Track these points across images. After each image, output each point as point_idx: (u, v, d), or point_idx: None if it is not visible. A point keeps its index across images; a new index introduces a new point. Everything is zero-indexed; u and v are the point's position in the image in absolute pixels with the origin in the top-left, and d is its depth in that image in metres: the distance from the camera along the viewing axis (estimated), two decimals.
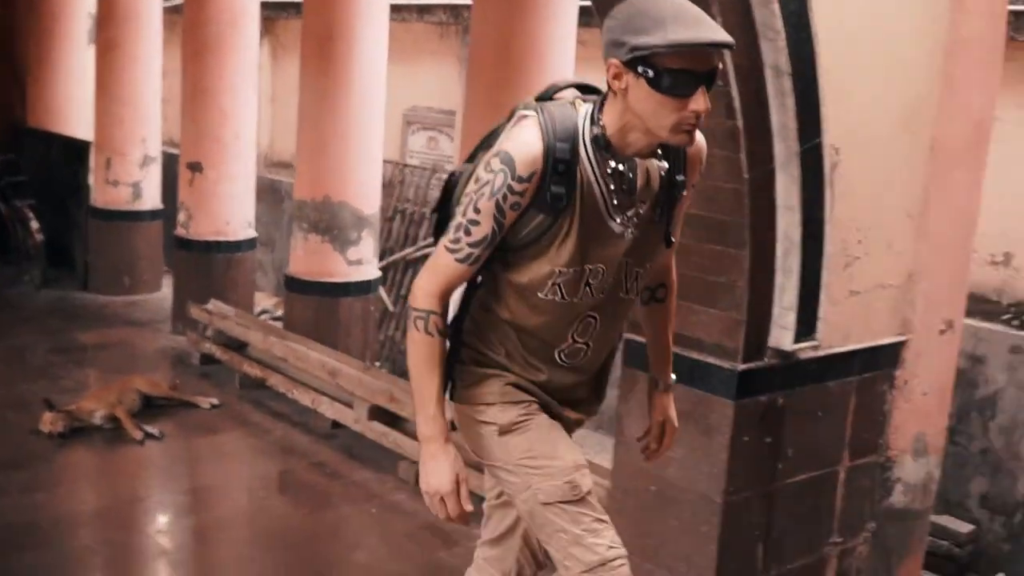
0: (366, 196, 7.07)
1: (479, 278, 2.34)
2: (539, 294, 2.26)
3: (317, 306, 6.94)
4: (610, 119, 2.19)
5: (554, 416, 2.39)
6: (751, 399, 3.60)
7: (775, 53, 3.27)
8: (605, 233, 2.24)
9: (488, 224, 2.19)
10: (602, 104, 2.22)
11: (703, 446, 3.63)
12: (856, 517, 4.14)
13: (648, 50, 2.05)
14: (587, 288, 2.27)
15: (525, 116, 2.24)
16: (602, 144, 2.20)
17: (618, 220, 2.23)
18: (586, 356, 2.36)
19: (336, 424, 5.77)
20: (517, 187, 2.16)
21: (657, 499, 3.78)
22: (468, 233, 2.20)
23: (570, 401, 2.42)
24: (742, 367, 3.54)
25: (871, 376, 4.00)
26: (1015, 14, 5.61)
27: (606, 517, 2.35)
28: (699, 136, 2.28)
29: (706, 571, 3.67)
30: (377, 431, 5.44)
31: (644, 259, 2.34)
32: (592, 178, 2.21)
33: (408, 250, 9.63)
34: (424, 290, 2.26)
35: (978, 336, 5.57)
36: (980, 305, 5.73)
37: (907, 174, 3.87)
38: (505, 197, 2.17)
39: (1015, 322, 5.57)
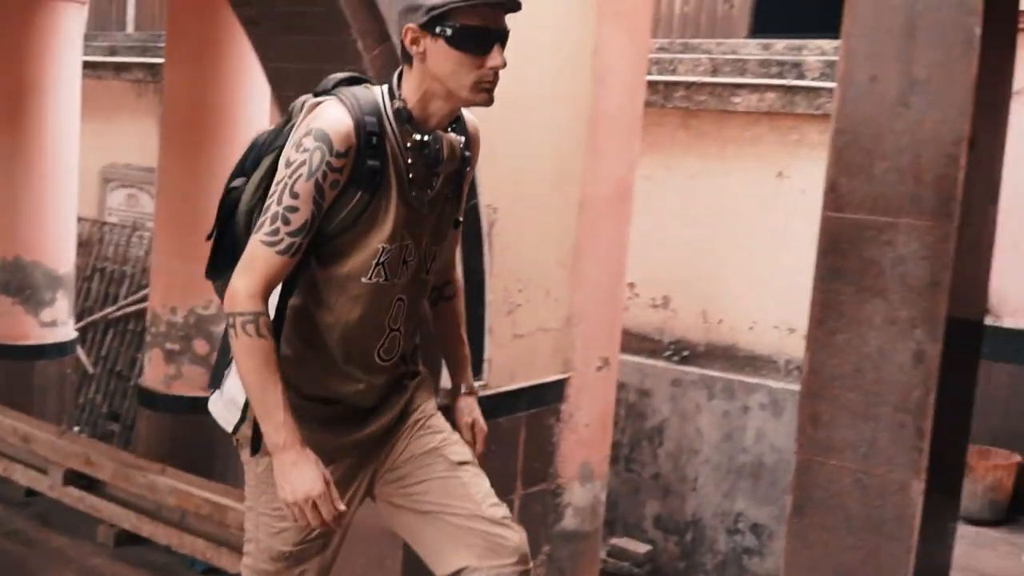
0: (60, 254, 6.93)
1: (289, 299, 2.21)
2: (363, 279, 2.17)
3: (9, 370, 6.71)
4: (409, 90, 2.17)
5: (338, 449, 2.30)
6: None
7: None
8: (413, 209, 2.20)
9: (308, 208, 2.07)
10: (399, 79, 2.20)
11: None
12: (531, 541, 4.51)
13: (444, 6, 2.06)
14: (404, 266, 2.21)
15: (322, 101, 2.16)
16: (404, 117, 2.16)
17: (419, 196, 2.20)
18: (398, 348, 2.29)
19: (31, 491, 5.60)
20: (336, 163, 2.08)
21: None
22: (287, 222, 2.07)
23: (374, 411, 2.32)
24: None
25: (538, 411, 4.42)
26: (666, 84, 6.36)
27: None
28: (474, 118, 2.31)
29: None
30: (73, 496, 5.34)
31: (439, 239, 2.30)
32: (398, 152, 2.17)
33: (108, 309, 9.39)
34: (245, 291, 2.07)
35: (644, 372, 6.22)
36: (644, 343, 6.40)
37: (560, 229, 4.35)
38: (325, 175, 2.07)
39: (675, 358, 6.25)
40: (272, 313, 2.14)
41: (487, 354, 4.07)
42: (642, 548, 6.39)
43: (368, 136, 2.10)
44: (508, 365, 4.20)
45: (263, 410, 2.09)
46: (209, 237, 2.26)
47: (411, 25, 2.11)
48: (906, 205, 2.84)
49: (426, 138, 2.18)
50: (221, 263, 2.23)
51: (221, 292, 2.18)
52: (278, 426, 2.07)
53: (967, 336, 3.13)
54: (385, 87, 2.20)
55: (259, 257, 2.07)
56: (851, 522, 2.98)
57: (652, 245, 6.05)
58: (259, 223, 2.09)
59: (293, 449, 2.07)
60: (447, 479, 2.32)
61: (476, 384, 3.80)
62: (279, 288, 2.16)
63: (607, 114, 4.46)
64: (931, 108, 2.78)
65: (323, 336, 2.22)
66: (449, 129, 2.25)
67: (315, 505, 2.07)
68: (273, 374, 2.07)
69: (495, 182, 3.93)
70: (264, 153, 2.21)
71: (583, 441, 4.64)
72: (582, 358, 4.57)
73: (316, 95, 2.19)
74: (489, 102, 2.17)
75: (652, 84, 6.03)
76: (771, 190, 5.69)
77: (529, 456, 4.44)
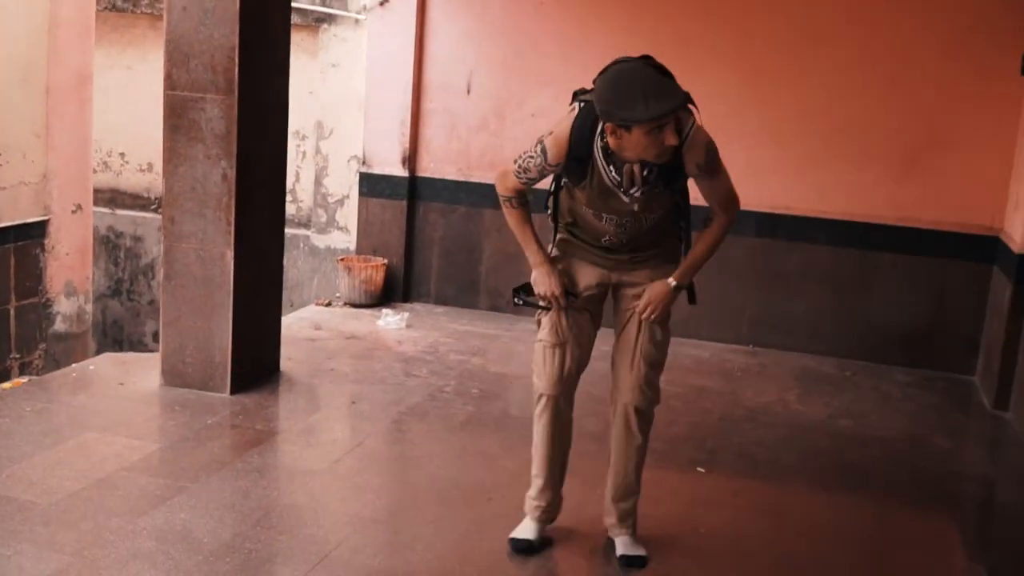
0: None
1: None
2: (585, 207, 3.35)
3: None
4: (612, 142, 3.13)
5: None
6: None
7: None
8: (613, 198, 3.27)
9: (535, 173, 3.32)
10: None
11: None
12: (28, 341, 6.17)
13: (635, 122, 3.01)
14: (606, 220, 3.32)
15: (572, 111, 3.26)
16: (608, 152, 3.18)
17: (624, 193, 3.25)
18: (618, 244, 3.41)
19: None
20: (549, 168, 3.31)
21: None
22: (525, 172, 3.32)
23: (613, 258, 3.47)
24: None
25: (24, 243, 6.02)
26: None
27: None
28: (695, 137, 3.18)
29: None
30: None
31: (652, 209, 3.31)
32: (602, 168, 3.22)
33: None
34: (504, 186, 3.41)
35: (137, 223, 7.90)
36: (137, 200, 8.07)
37: (31, 109, 5.92)
38: (543, 169, 3.31)
39: (159, 209, 7.99)
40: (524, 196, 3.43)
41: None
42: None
43: (573, 156, 3.23)
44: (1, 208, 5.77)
45: (525, 244, 3.43)
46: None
47: (608, 124, 3.08)
48: (209, 86, 4.76)
49: (620, 163, 3.21)
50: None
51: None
52: (533, 252, 3.41)
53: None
54: (602, 125, 3.15)
55: (511, 170, 3.37)
56: (196, 280, 4.94)
57: (137, 122, 7.70)
58: (518, 156, 3.33)
59: (544, 264, 3.40)
60: (623, 336, 3.52)
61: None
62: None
63: (64, 21, 6.04)
64: (217, 26, 4.69)
65: (579, 218, 3.45)
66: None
67: (553, 294, 3.38)
68: (526, 224, 3.42)
69: None
70: (575, 98, 3.36)
71: (65, 266, 6.31)
72: (59, 204, 6.21)
73: (574, 97, 3.33)
74: (667, 159, 3.17)
75: None
76: None
77: (20, 277, 6.04)
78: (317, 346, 5.99)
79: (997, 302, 5.93)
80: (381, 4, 6.92)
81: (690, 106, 3.10)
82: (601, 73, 3.10)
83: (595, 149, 3.19)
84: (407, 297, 7.16)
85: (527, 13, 6.76)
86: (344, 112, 7.44)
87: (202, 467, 4.17)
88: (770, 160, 6.46)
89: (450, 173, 7.05)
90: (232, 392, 4.95)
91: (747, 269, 6.55)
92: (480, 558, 3.53)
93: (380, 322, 6.57)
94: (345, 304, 7.01)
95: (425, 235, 7.15)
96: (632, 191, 3.22)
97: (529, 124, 6.77)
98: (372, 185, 7.14)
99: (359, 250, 7.22)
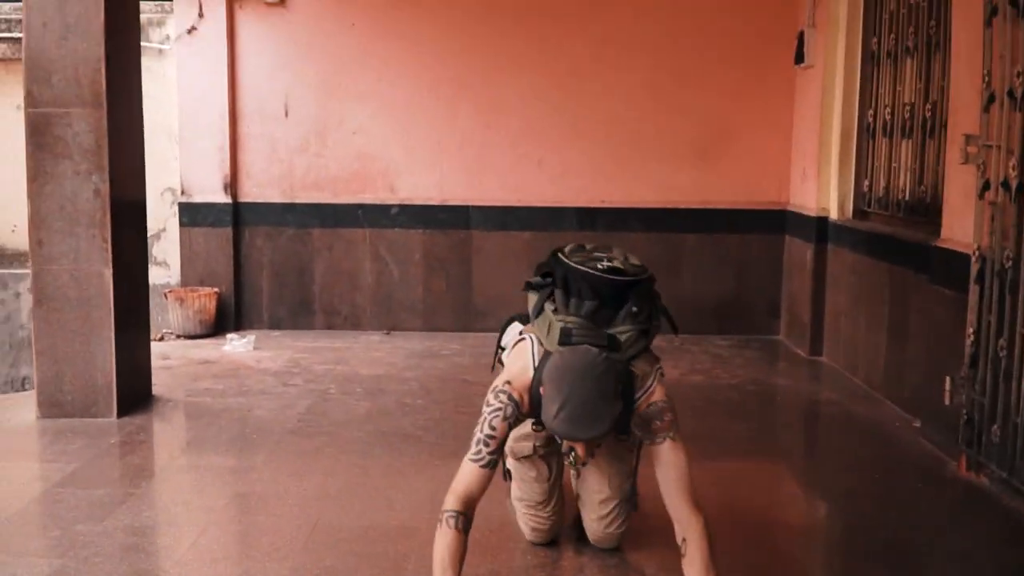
0: None
1: None
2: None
3: None
4: None
5: None
6: None
7: None
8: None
9: (501, 435, 2.83)
10: None
11: None
12: None
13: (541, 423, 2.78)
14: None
15: (523, 342, 2.97)
16: None
17: (571, 465, 3.02)
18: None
19: None
20: (523, 416, 2.88)
21: None
22: (487, 444, 2.80)
23: None
24: None
25: None
26: None
27: None
28: (648, 399, 2.88)
29: None
30: None
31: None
32: None
33: None
34: (456, 495, 2.77)
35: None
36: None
37: None
38: (515, 420, 2.85)
39: None
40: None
41: None
42: None
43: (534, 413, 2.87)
44: None
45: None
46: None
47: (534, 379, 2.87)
48: (74, 100, 4.64)
49: None
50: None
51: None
52: None
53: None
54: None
55: (466, 470, 2.81)
56: (71, 302, 4.74)
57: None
58: (471, 444, 2.81)
59: None
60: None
61: None
62: None
63: None
64: (81, 40, 4.60)
65: None
66: None
67: None
68: (455, 559, 2.69)
69: None
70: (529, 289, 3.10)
71: None
72: None
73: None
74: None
75: None
76: (14, 119, 7.03)
77: None
78: (176, 372, 5.83)
79: (796, 264, 6.74)
80: (189, 32, 6.88)
81: (653, 375, 2.90)
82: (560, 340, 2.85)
83: None
84: (240, 325, 7.07)
85: (339, 34, 6.95)
86: (153, 144, 7.21)
87: (136, 475, 4.08)
88: (584, 160, 7.02)
89: (274, 196, 7.07)
90: (119, 416, 4.79)
91: None
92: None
93: (227, 347, 6.47)
94: (178, 337, 6.84)
95: (253, 260, 7.11)
96: (577, 465, 3.02)
97: (351, 142, 6.97)
98: (193, 214, 7.03)
99: (184, 282, 7.05)
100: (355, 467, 4.19)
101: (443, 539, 2.70)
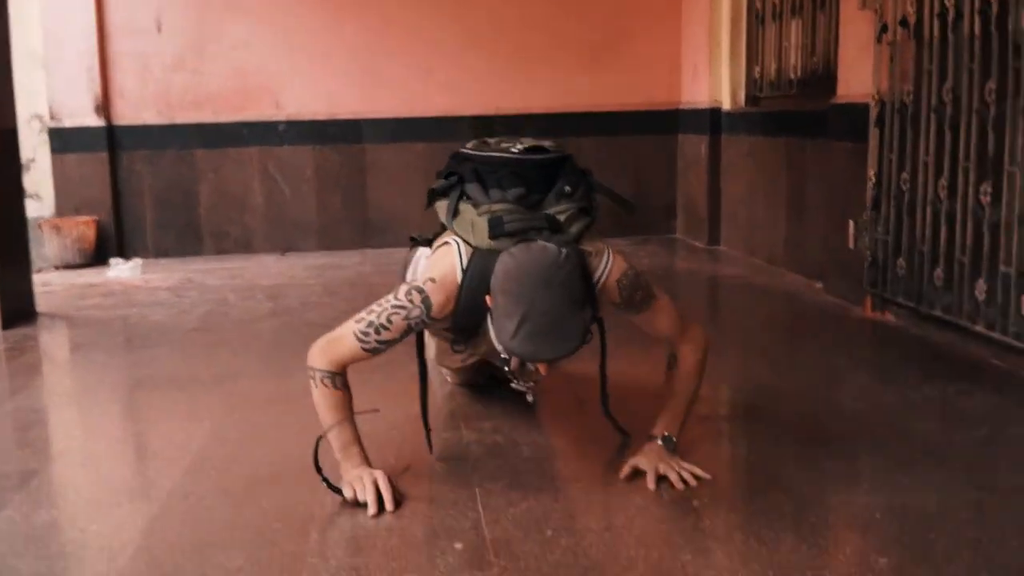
0: None
1: None
2: None
3: None
4: None
5: None
6: None
7: None
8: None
9: (397, 333, 2.40)
10: None
11: None
12: None
13: (499, 341, 2.25)
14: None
15: (447, 247, 2.46)
16: None
17: (518, 382, 2.46)
18: None
19: None
20: (429, 323, 2.44)
21: None
22: (379, 333, 2.39)
23: None
24: None
25: None
26: None
27: None
28: (607, 281, 2.45)
29: None
30: None
31: None
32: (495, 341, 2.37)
33: None
34: (329, 358, 2.42)
35: None
36: None
37: None
38: (417, 325, 2.41)
39: None
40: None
41: None
42: None
43: (462, 324, 2.49)
44: None
45: (338, 439, 2.45)
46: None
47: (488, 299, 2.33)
48: None
49: None
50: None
51: None
52: (352, 456, 2.45)
53: None
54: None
55: (347, 342, 2.42)
56: None
57: None
58: (362, 316, 2.42)
59: (361, 467, 2.44)
60: None
61: None
62: None
63: None
64: None
65: None
66: None
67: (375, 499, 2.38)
68: (345, 410, 2.43)
69: None
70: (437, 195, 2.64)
71: None
72: None
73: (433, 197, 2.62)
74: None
75: None
76: None
77: None
78: (60, 295, 5.52)
79: (691, 161, 6.78)
80: None
81: (607, 249, 2.49)
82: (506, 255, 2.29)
83: (488, 325, 2.34)
84: (122, 254, 6.73)
85: None
86: (15, 68, 6.85)
87: (28, 371, 3.83)
88: (477, 68, 6.89)
89: (151, 118, 6.74)
90: (4, 328, 4.51)
91: None
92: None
93: (111, 272, 6.16)
94: (57, 268, 6.49)
95: (133, 186, 6.78)
96: (527, 385, 2.44)
97: (231, 58, 6.70)
98: (65, 140, 6.65)
99: (59, 212, 6.68)
100: (262, 351, 4.03)
101: (328, 396, 2.44)
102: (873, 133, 4.15)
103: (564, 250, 2.26)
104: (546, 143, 2.67)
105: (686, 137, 6.90)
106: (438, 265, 2.46)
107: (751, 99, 6.20)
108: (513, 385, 2.44)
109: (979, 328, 3.54)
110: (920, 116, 3.85)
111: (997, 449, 2.70)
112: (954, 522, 2.21)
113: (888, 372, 3.51)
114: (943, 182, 3.70)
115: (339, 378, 2.44)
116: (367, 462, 2.47)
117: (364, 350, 2.41)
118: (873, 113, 4.14)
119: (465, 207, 2.53)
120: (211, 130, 6.77)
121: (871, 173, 4.16)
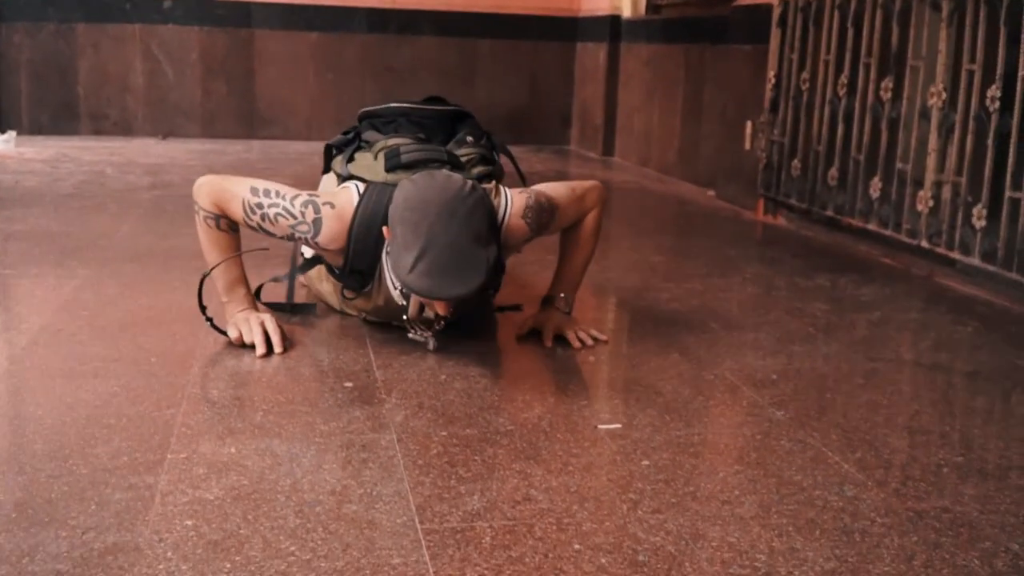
0: None
1: None
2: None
3: None
4: None
5: None
6: None
7: None
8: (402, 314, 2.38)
9: (279, 233, 2.24)
10: None
11: None
12: None
13: (396, 276, 2.09)
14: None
15: (346, 189, 2.27)
16: None
17: (415, 331, 2.37)
18: None
19: None
20: (312, 245, 2.26)
21: None
22: (263, 220, 2.22)
23: None
24: None
25: None
26: None
27: None
28: (511, 222, 2.29)
29: None
30: None
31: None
32: (390, 288, 2.30)
33: None
34: (212, 200, 2.25)
35: None
36: None
37: None
38: (304, 241, 2.25)
39: None
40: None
41: None
42: None
43: (355, 267, 2.30)
44: None
45: (224, 279, 2.33)
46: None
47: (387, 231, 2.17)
48: None
49: None
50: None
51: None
52: (239, 297, 2.34)
53: None
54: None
55: (236, 203, 2.24)
56: None
57: None
58: (260, 190, 2.23)
59: (248, 310, 2.33)
60: None
61: None
62: None
63: None
64: None
65: None
66: None
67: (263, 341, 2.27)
68: (231, 250, 2.30)
69: None
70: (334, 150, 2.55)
71: None
72: None
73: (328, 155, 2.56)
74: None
75: None
76: None
77: None
78: None
79: (588, 71, 6.72)
80: None
81: (504, 188, 2.35)
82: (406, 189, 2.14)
83: (384, 264, 2.28)
84: None
85: None
86: None
87: None
88: None
89: None
90: None
91: (359, 64, 6.72)
92: None
93: None
94: None
95: (9, 59, 6.36)
96: (426, 334, 2.34)
97: None
98: None
99: None
100: (142, 216, 3.84)
101: (211, 235, 2.30)
102: (775, 34, 4.15)
103: (470, 181, 2.15)
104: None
105: (584, 46, 6.84)
106: (339, 195, 2.28)
107: (652, 8, 6.16)
108: (411, 335, 2.35)
109: (872, 226, 3.61)
110: (823, 13, 3.86)
111: (890, 331, 2.75)
112: (849, 385, 2.24)
113: (778, 264, 3.55)
114: (843, 80, 3.74)
115: (223, 220, 2.28)
116: (254, 304, 2.37)
117: (245, 222, 2.26)
118: (776, 13, 4.14)
119: (361, 154, 2.41)
120: (94, 3, 6.40)
121: (771, 75, 4.18)
